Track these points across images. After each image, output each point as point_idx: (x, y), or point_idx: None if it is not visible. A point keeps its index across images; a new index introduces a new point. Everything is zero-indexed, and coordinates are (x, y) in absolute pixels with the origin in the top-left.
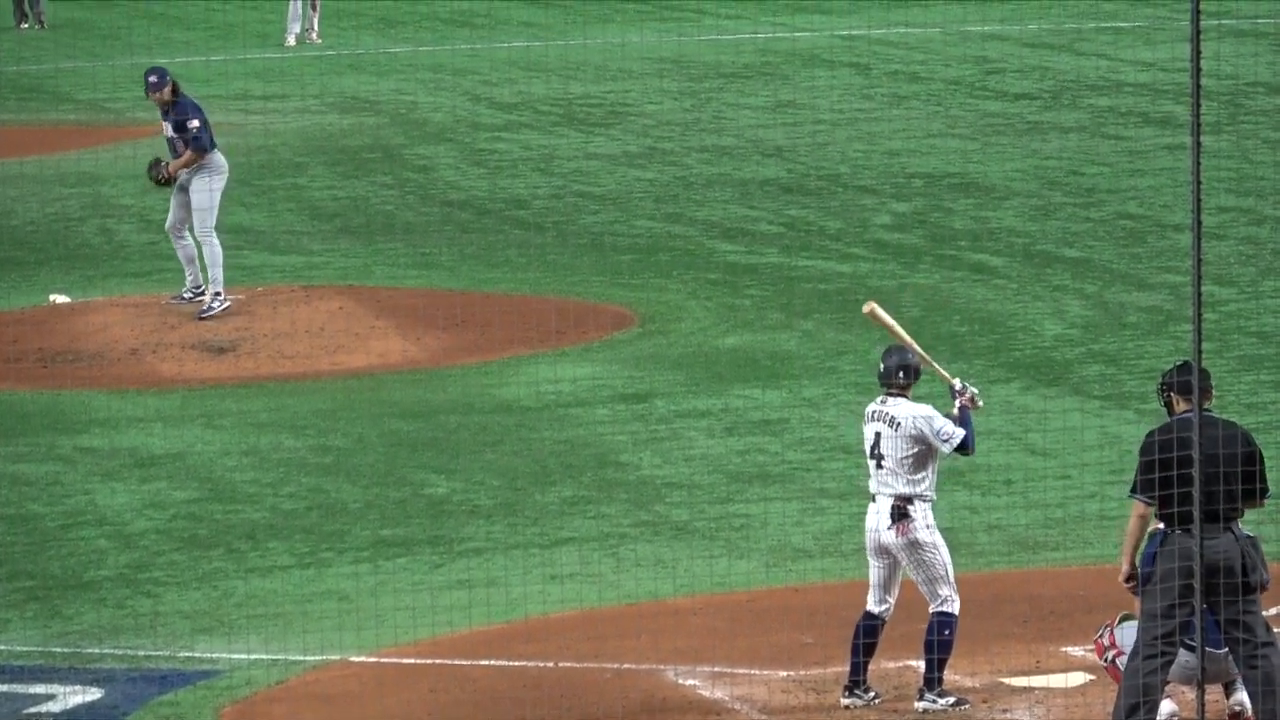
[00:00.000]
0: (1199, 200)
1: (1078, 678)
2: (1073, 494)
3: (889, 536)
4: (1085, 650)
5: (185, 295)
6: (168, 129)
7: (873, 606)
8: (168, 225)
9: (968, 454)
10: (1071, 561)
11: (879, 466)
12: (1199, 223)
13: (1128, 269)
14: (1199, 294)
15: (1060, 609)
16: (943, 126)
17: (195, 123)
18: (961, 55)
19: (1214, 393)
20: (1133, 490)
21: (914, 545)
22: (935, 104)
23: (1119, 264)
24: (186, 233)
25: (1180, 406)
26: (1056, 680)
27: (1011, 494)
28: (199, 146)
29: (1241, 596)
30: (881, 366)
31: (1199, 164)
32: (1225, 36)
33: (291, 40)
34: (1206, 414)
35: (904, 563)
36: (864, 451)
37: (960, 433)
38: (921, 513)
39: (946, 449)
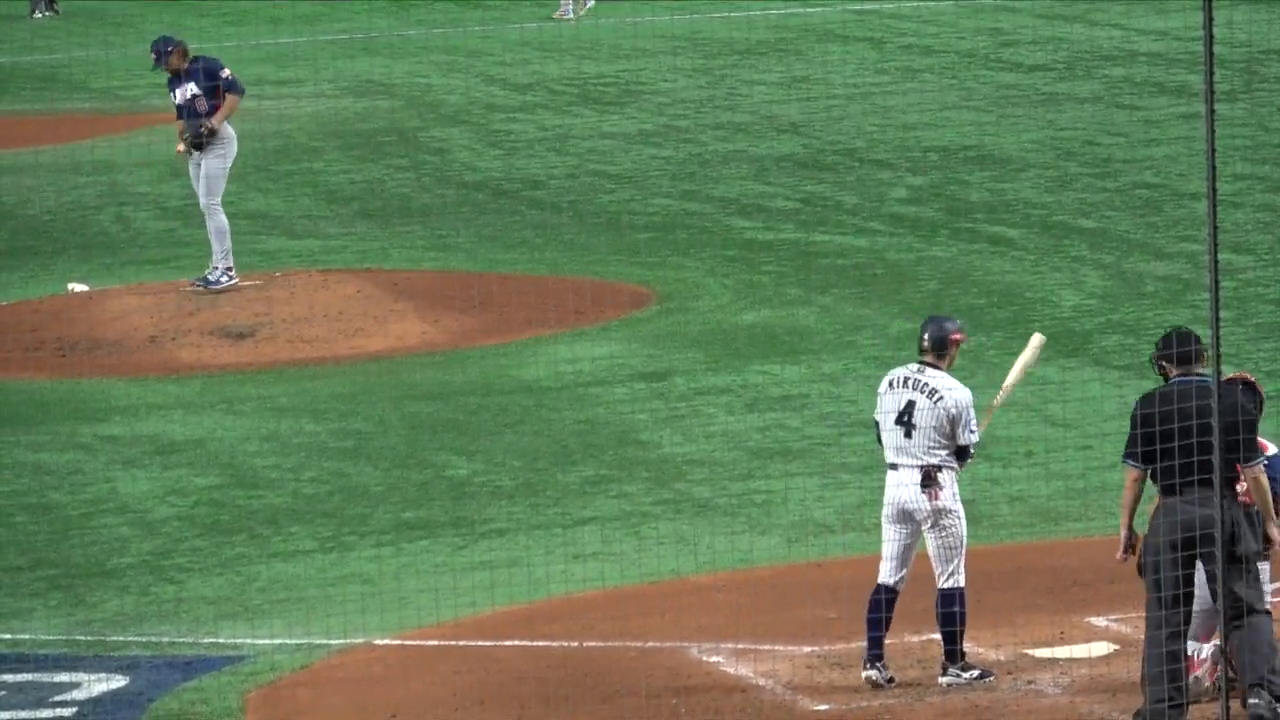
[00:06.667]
0: (1214, 168)
1: (1101, 648)
2: (1094, 464)
3: (919, 501)
4: (1108, 620)
5: (210, 277)
6: (183, 94)
7: (887, 578)
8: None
9: (963, 461)
10: (1094, 532)
11: (907, 435)
12: (1214, 190)
13: (1145, 238)
14: (1215, 262)
15: (1083, 579)
16: (957, 99)
17: (226, 70)
18: (975, 27)
19: (1205, 356)
20: (1125, 455)
21: (940, 512)
22: (949, 77)
23: (1136, 234)
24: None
25: (1173, 373)
26: (1080, 651)
27: (1033, 465)
28: (239, 90)
29: (1226, 564)
30: (925, 338)
31: (1214, 132)
32: (1239, 4)
33: (567, 12)
34: (1200, 379)
35: (925, 529)
36: (880, 420)
37: (976, 438)
38: (950, 480)
39: (967, 439)
